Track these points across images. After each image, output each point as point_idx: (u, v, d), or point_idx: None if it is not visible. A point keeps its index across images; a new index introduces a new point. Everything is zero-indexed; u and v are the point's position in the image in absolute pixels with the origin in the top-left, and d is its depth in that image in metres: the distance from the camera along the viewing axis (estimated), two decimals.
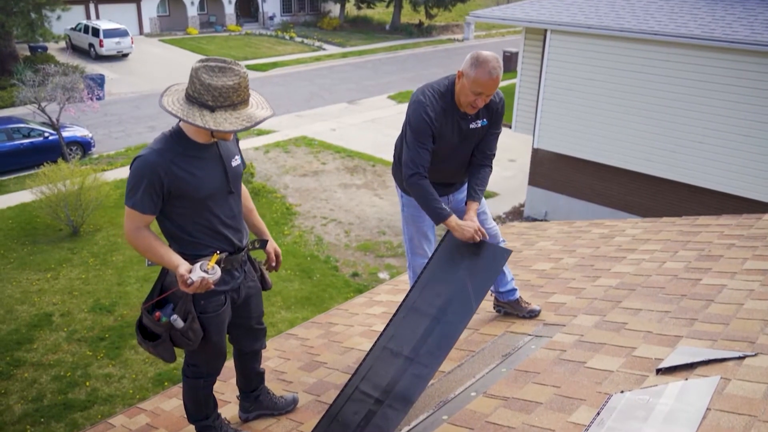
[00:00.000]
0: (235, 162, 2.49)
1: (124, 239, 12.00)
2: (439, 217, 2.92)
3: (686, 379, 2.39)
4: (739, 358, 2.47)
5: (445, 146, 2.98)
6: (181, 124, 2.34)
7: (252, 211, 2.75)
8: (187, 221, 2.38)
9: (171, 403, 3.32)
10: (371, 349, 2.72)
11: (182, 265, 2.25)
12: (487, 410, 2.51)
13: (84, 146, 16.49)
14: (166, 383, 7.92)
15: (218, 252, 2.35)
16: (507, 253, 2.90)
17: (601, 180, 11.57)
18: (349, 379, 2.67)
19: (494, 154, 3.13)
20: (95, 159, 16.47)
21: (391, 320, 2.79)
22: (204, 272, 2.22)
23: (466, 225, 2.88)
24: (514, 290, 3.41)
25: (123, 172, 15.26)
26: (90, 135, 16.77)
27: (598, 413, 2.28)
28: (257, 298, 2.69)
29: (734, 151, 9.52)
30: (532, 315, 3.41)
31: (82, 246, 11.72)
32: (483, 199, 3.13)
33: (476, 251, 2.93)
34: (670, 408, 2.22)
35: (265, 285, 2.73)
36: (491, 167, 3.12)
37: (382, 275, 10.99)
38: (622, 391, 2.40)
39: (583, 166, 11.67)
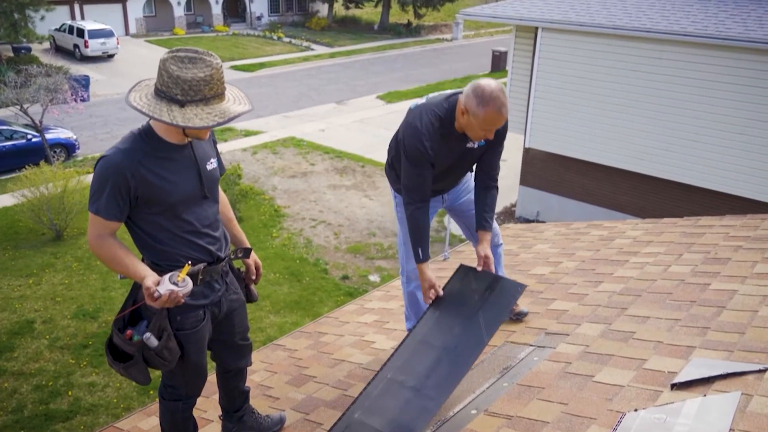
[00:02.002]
0: (211, 165, 2.27)
1: None
2: (416, 258, 2.81)
3: (704, 395, 2.22)
4: (760, 371, 2.30)
5: (441, 166, 2.82)
6: (151, 122, 2.13)
7: (231, 221, 2.53)
8: (157, 229, 2.17)
9: (150, 421, 3.11)
10: (373, 379, 2.55)
11: (149, 277, 2.04)
12: (490, 431, 2.33)
13: (68, 148, 16.17)
14: (151, 392, 7.68)
15: (189, 263, 2.13)
16: (521, 287, 2.76)
17: (593, 179, 11.44)
18: (347, 409, 2.48)
19: (498, 173, 2.94)
20: (80, 161, 16.16)
21: (395, 351, 2.63)
22: (173, 285, 2.00)
23: (427, 281, 2.77)
24: None
25: None
26: (74, 137, 16.46)
27: None
28: (241, 311, 2.48)
29: (728, 149, 9.41)
30: (520, 317, 3.30)
31: (66, 250, 11.44)
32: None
33: (489, 285, 2.80)
34: (689, 429, 2.05)
35: (250, 297, 2.53)
36: (497, 188, 2.94)
37: (373, 278, 10.80)
38: (635, 409, 2.22)
39: (575, 166, 11.53)
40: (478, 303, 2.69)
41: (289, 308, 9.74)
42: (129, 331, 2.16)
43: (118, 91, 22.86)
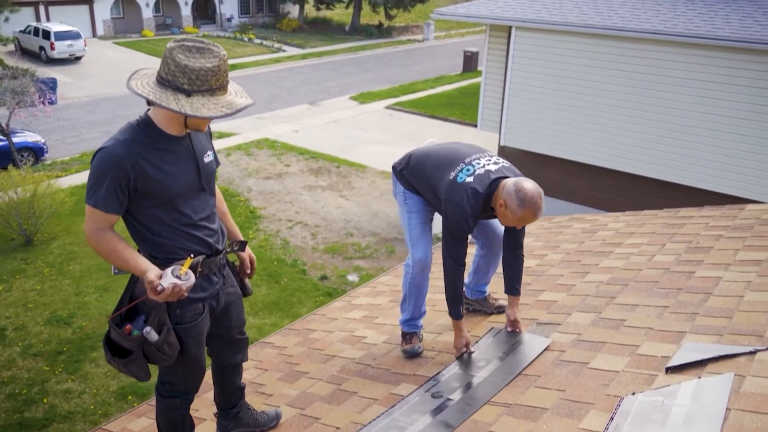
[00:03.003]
0: (208, 158, 2.25)
1: (81, 248, 11.56)
2: (454, 314, 2.93)
3: (699, 377, 2.26)
4: (751, 352, 2.35)
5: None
6: (150, 112, 2.09)
7: (225, 214, 2.51)
8: (155, 221, 2.13)
9: (140, 423, 3.05)
10: (409, 394, 2.71)
11: (151, 271, 2.00)
12: (490, 419, 2.34)
13: (36, 152, 15.82)
14: (129, 397, 7.57)
15: (192, 256, 2.10)
16: (545, 341, 2.91)
17: (568, 176, 11.57)
18: (384, 411, 2.59)
19: (523, 240, 3.09)
20: (48, 165, 15.83)
21: (429, 379, 2.83)
22: (176, 278, 1.97)
23: (465, 338, 2.95)
24: (485, 290, 3.43)
25: (78, 179, 14.70)
26: (42, 140, 16.11)
27: (612, 418, 2.13)
28: (238, 305, 2.46)
29: (702, 145, 9.59)
30: (500, 310, 3.39)
31: (37, 256, 11.20)
32: None
33: (517, 339, 3.00)
34: (687, 410, 2.09)
35: (245, 291, 2.51)
36: (523, 256, 3.08)
37: (352, 277, 10.78)
38: (633, 393, 2.25)
39: (550, 163, 11.65)
40: (508, 351, 2.90)
41: (268, 310, 9.67)
42: (128, 326, 2.12)
43: (86, 93, 22.47)
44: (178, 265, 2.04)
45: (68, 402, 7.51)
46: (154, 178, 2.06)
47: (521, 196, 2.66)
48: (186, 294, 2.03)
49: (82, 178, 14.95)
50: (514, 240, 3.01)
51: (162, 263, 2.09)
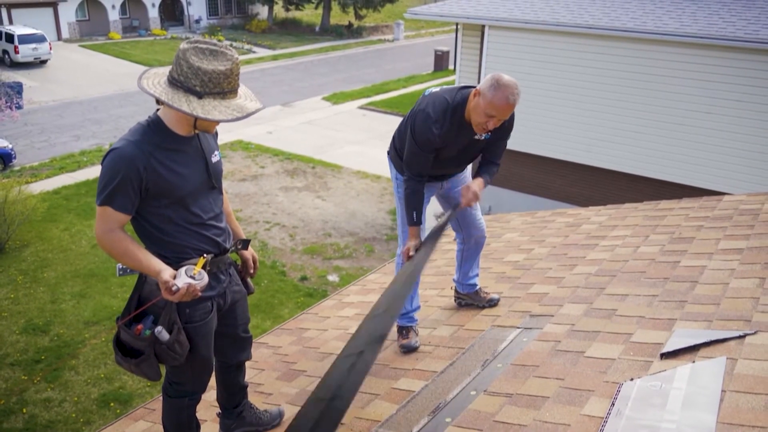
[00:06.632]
0: (215, 158, 2.27)
1: (54, 254, 11.38)
2: (409, 220, 2.98)
3: (693, 361, 2.34)
4: (740, 337, 2.44)
5: (448, 153, 2.96)
6: (160, 113, 2.10)
7: (230, 215, 2.52)
8: (165, 221, 2.14)
9: (138, 426, 3.04)
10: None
11: (165, 271, 2.01)
12: (492, 409, 2.39)
13: (4, 158, 15.51)
14: (111, 404, 7.48)
15: (204, 255, 2.11)
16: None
17: (542, 172, 11.74)
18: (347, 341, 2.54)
19: (501, 159, 3.07)
20: (17, 171, 15.51)
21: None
22: (190, 278, 1.99)
23: (414, 243, 2.96)
24: (475, 283, 3.45)
25: (49, 184, 14.46)
26: (10, 146, 15.79)
27: (613, 404, 2.19)
28: (243, 303, 2.48)
29: (669, 139, 9.83)
30: (492, 304, 3.43)
31: (9, 263, 10.97)
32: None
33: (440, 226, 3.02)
34: (685, 393, 2.16)
35: (248, 289, 2.52)
36: (498, 165, 3.08)
37: (332, 278, 10.79)
38: (631, 379, 2.32)
39: (524, 160, 11.80)
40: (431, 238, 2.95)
41: (249, 312, 9.61)
42: (139, 326, 2.12)
43: (53, 98, 22.06)
44: (191, 264, 2.05)
45: (48, 411, 7.39)
46: (166, 179, 2.07)
47: (496, 78, 2.67)
48: (200, 293, 2.04)
49: (54, 183, 14.69)
50: (490, 155, 3.02)
51: (171, 263, 2.10)
